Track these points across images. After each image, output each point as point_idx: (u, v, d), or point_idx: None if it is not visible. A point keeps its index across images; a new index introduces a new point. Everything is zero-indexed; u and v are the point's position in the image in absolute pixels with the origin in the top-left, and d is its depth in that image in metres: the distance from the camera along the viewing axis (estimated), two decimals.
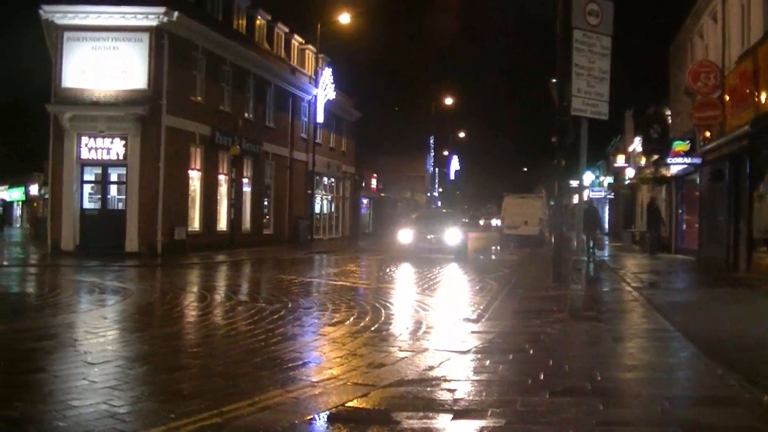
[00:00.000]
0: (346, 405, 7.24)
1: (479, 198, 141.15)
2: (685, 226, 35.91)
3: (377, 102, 79.49)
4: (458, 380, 8.57)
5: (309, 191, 49.32)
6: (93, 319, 13.66)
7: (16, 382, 8.49)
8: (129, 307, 15.51)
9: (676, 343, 11.01)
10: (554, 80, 20.90)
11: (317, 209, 54.27)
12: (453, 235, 33.16)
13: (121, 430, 6.56)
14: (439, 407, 7.19)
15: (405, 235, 33.85)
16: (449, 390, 8.00)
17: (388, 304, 16.05)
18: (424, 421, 6.75)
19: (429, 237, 33.31)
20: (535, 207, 52.00)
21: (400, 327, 12.93)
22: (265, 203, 45.74)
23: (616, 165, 60.97)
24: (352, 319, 13.71)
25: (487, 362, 9.45)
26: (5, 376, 8.74)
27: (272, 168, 46.04)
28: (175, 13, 32.47)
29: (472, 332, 12.05)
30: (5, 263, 28.88)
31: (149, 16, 32.41)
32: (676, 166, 32.80)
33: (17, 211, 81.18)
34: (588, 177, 61.41)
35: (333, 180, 59.37)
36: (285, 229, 47.27)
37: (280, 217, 47.30)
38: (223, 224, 39.44)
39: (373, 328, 12.61)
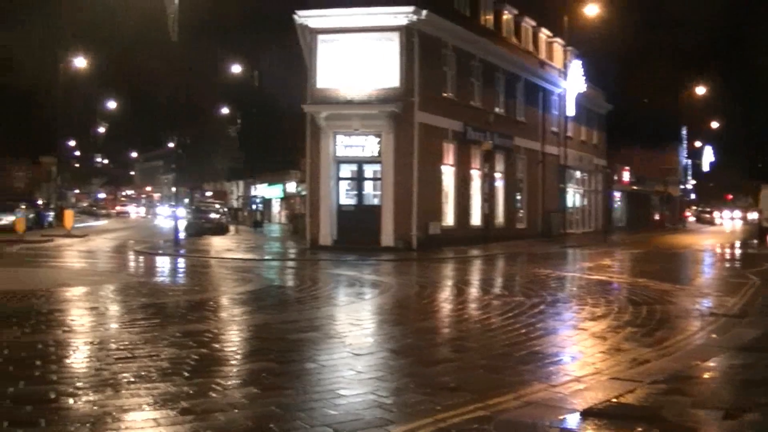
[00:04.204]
0: (612, 401, 7.08)
1: (733, 190, 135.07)
2: None
3: (628, 93, 77.33)
4: (726, 378, 8.27)
5: (561, 185, 48.81)
6: (354, 311, 14.13)
7: (287, 370, 8.86)
8: (388, 300, 15.86)
9: None
10: None
11: (569, 203, 53.68)
12: None
13: (389, 420, 6.72)
14: (708, 405, 6.91)
15: None
16: (717, 388, 7.75)
17: (646, 299, 15.65)
18: (694, 419, 6.51)
19: None
20: None
21: (660, 321, 12.59)
22: (518, 197, 45.71)
23: None
24: (611, 313, 13.49)
25: (755, 360, 9.02)
26: (276, 365, 9.13)
27: (524, 162, 45.91)
28: (424, 12, 32.89)
29: (737, 329, 11.57)
30: (268, 257, 30.29)
31: (398, 16, 33.01)
32: None
33: (276, 207, 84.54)
34: None
35: (584, 173, 58.46)
36: (537, 223, 47.02)
37: (533, 211, 47.07)
38: (476, 219, 39.57)
39: (634, 323, 12.34)
